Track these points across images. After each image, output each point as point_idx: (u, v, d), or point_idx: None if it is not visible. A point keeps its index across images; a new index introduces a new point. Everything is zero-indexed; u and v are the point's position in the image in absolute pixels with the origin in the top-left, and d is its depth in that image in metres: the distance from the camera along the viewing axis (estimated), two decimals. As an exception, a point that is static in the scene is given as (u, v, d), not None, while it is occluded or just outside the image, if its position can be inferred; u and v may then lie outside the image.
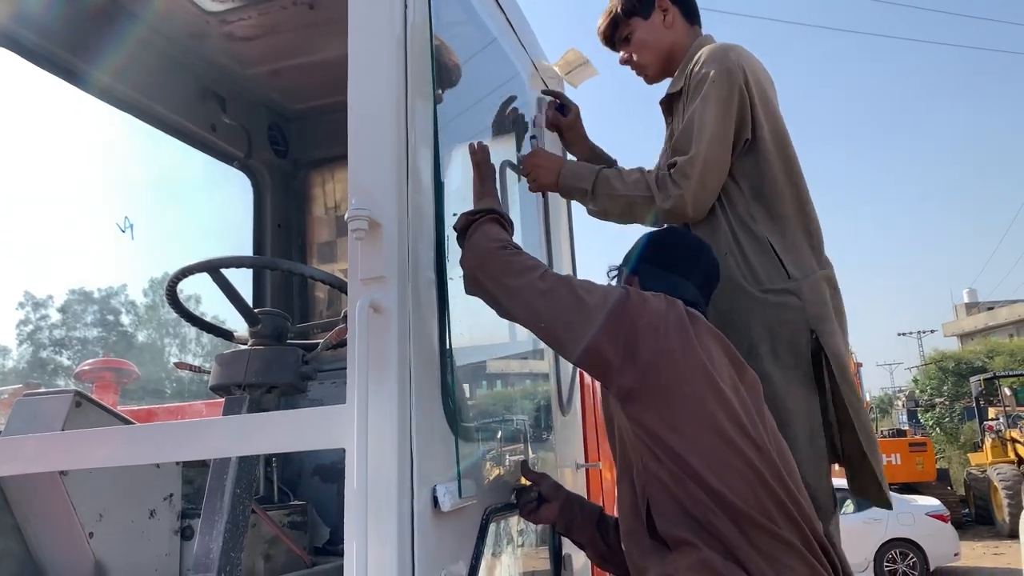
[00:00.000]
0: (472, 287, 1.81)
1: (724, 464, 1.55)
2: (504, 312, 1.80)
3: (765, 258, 2.16)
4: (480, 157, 2.05)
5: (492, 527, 1.85)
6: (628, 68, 2.61)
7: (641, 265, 1.95)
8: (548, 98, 2.77)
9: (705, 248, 2.04)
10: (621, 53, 2.57)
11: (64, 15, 2.75)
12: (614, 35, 2.57)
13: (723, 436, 1.57)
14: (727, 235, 2.22)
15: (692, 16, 2.52)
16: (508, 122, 2.59)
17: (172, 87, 3.22)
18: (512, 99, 2.64)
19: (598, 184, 2.27)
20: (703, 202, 2.20)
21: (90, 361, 4.58)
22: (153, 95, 3.13)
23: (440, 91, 1.94)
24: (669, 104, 2.53)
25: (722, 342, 1.77)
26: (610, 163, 2.65)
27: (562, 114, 2.74)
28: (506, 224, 1.88)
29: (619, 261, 2.06)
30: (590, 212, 2.43)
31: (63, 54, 2.80)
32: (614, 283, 1.99)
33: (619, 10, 2.51)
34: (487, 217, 1.85)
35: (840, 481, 2.25)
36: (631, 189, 2.24)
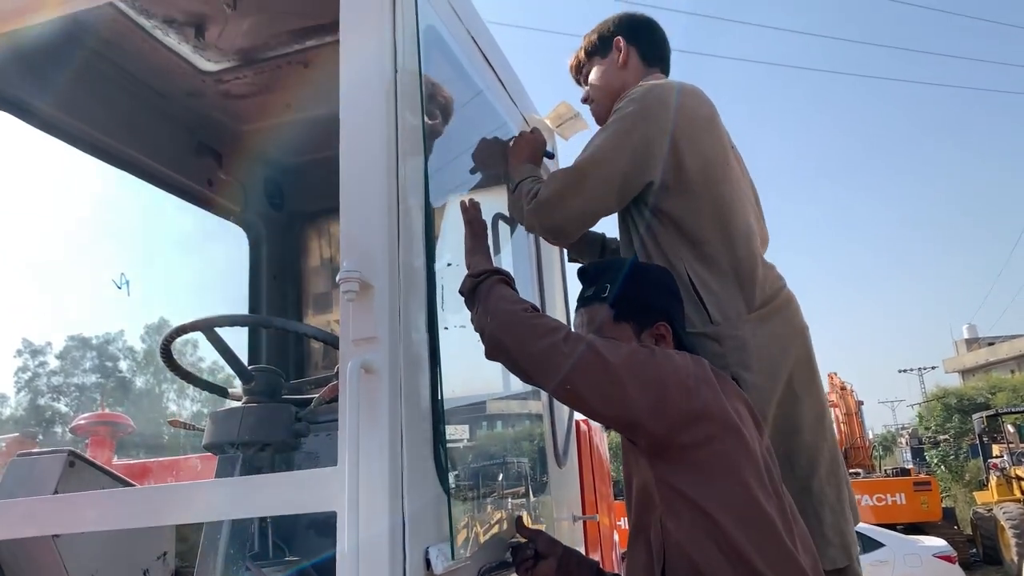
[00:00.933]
0: (495, 353, 1.78)
1: (753, 526, 1.53)
2: (526, 376, 1.77)
3: (688, 300, 2.05)
4: (472, 215, 2.07)
5: (486, 587, 1.83)
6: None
7: (626, 300, 1.89)
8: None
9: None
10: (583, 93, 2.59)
11: (61, 76, 2.80)
12: (578, 74, 2.60)
13: (754, 498, 1.56)
14: None
15: (651, 58, 2.47)
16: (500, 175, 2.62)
17: (169, 144, 3.27)
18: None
19: (522, 186, 2.24)
20: (555, 215, 2.12)
21: (85, 415, 4.56)
22: (150, 152, 3.18)
23: (433, 138, 1.98)
24: None
25: (744, 400, 1.76)
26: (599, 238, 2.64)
27: (549, 159, 2.72)
28: (512, 283, 1.88)
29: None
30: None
31: (60, 115, 2.84)
32: (582, 312, 1.93)
33: (583, 49, 2.55)
34: (496, 278, 1.85)
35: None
36: (522, 190, 2.21)
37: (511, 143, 2.47)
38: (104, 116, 2.94)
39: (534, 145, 2.46)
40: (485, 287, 1.83)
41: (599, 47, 2.50)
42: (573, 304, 2.06)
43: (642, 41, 2.47)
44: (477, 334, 1.82)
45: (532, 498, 2.41)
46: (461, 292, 1.88)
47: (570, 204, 2.10)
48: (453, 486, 1.75)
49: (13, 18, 2.15)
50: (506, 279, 1.88)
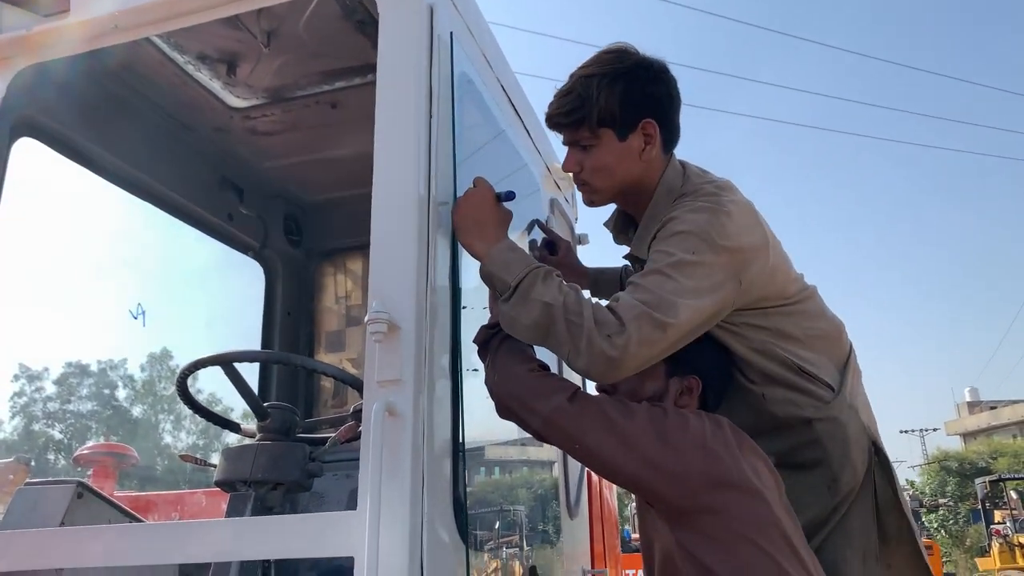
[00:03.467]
0: (503, 413, 1.76)
1: None
2: (539, 436, 1.75)
3: (795, 384, 1.90)
4: None
5: (499, 641, 1.80)
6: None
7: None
8: (540, 235, 2.55)
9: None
10: (568, 155, 2.00)
11: (91, 105, 2.83)
12: (570, 133, 1.97)
13: (779, 568, 1.53)
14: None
15: (671, 144, 2.02)
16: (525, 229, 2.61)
17: (192, 177, 3.30)
18: (533, 224, 2.59)
19: (527, 279, 1.70)
20: (628, 369, 1.65)
21: (90, 445, 4.53)
22: (173, 184, 3.20)
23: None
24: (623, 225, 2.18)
25: (763, 457, 1.72)
26: (616, 272, 2.50)
27: (550, 252, 2.46)
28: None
29: None
30: (501, 320, 1.77)
31: (87, 143, 2.87)
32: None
33: (591, 110, 1.89)
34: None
35: None
36: (559, 300, 1.65)
37: (457, 213, 1.86)
38: (129, 146, 2.96)
39: (486, 208, 1.87)
40: (496, 341, 1.80)
41: (618, 120, 1.90)
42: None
43: (670, 122, 1.99)
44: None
45: (544, 550, 2.37)
46: (475, 342, 1.86)
47: (647, 359, 1.67)
48: (471, 535, 1.72)
49: (48, 49, 2.18)
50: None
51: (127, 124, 2.94)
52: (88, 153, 2.89)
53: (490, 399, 1.80)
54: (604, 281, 2.54)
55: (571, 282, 1.79)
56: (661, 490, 1.59)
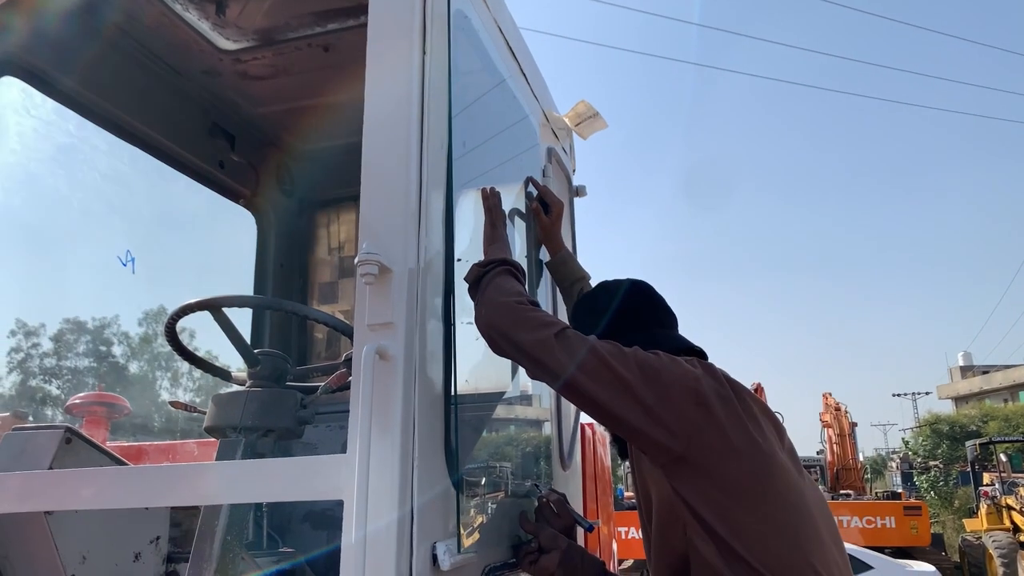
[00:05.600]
0: (492, 346, 1.73)
1: (778, 542, 1.46)
2: (528, 370, 1.71)
3: None
4: (492, 202, 2.01)
5: (490, 587, 1.78)
6: None
7: (620, 319, 1.84)
8: (533, 190, 2.52)
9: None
10: None
11: (77, 46, 2.76)
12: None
13: (782, 503, 1.50)
14: None
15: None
16: (519, 172, 2.56)
17: (182, 122, 3.22)
18: (528, 182, 2.53)
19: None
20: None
21: (81, 395, 4.51)
22: (162, 129, 3.13)
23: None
24: None
25: (764, 407, 1.67)
26: (581, 276, 2.45)
27: (544, 212, 2.47)
28: (519, 275, 1.82)
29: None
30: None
31: (75, 85, 2.79)
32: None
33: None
34: (499, 269, 1.79)
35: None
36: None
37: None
38: (118, 89, 2.89)
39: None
40: (488, 277, 1.78)
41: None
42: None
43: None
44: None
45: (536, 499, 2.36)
46: (467, 280, 1.83)
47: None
48: (462, 481, 1.70)
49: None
50: (514, 271, 1.82)
51: (113, 65, 2.86)
52: (74, 94, 2.81)
53: (477, 349, 1.77)
54: (567, 269, 2.49)
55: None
56: (652, 434, 1.54)
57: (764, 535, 1.46)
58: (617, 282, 1.99)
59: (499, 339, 1.69)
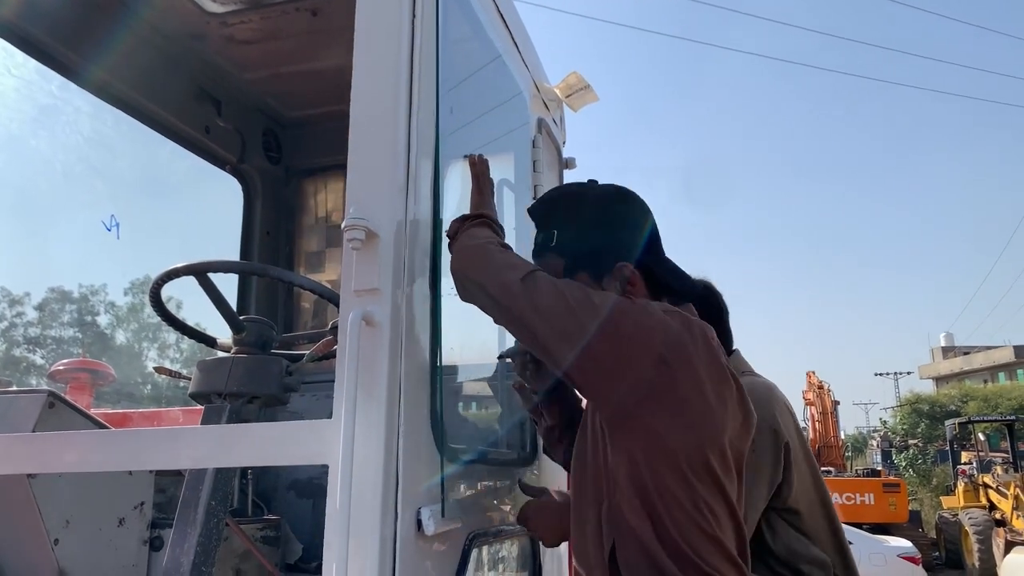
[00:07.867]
0: (460, 291, 1.67)
1: (692, 517, 1.38)
2: (494, 317, 1.63)
3: None
4: (480, 169, 1.98)
5: (475, 553, 1.80)
6: None
7: (571, 246, 1.68)
8: None
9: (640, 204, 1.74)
10: None
11: (62, 7, 2.70)
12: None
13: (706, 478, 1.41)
14: None
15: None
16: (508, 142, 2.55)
17: (167, 86, 3.17)
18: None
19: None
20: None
21: (65, 361, 4.48)
22: (148, 93, 3.08)
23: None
24: None
25: (736, 381, 1.54)
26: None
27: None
28: (497, 228, 1.77)
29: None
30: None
31: (58, 46, 2.74)
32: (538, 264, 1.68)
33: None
34: (477, 220, 1.75)
35: None
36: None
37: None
38: (102, 51, 2.84)
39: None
40: (464, 228, 1.73)
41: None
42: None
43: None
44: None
45: (522, 469, 2.37)
46: (447, 234, 1.78)
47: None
48: (448, 448, 1.70)
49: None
50: (491, 223, 1.76)
51: (97, 26, 2.81)
52: (57, 55, 2.76)
53: (464, 316, 1.76)
54: None
55: None
56: (601, 389, 1.46)
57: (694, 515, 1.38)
58: (610, 194, 1.76)
59: (465, 282, 1.64)
